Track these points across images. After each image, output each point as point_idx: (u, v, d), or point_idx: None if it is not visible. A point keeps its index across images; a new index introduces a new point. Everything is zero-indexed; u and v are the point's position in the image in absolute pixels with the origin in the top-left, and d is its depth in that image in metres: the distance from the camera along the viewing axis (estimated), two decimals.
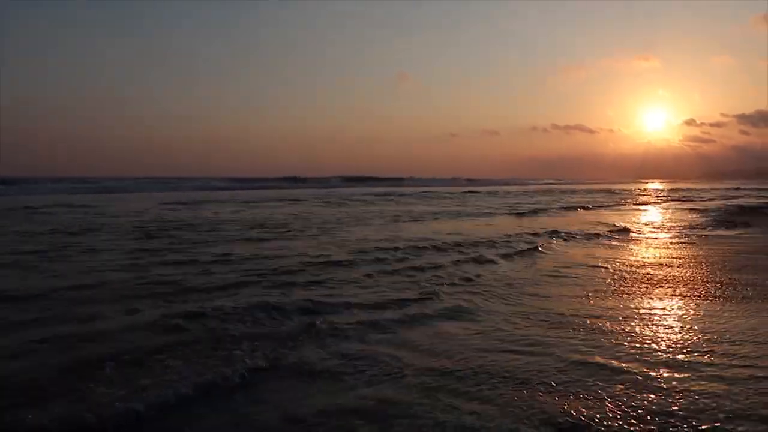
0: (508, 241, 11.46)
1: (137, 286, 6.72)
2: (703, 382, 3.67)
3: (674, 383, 3.65)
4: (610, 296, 6.37)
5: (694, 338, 4.67)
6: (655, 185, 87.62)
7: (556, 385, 3.63)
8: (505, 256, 9.39)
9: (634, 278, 7.49)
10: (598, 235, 13.13)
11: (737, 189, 56.89)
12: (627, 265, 8.64)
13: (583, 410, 3.23)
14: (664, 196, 39.67)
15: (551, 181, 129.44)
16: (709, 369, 3.92)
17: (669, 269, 8.24)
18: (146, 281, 6.99)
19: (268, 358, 4.16)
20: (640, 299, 6.21)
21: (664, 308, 5.78)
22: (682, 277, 7.60)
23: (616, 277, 7.62)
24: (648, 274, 7.83)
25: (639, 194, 44.87)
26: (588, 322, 5.26)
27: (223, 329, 4.78)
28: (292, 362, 4.14)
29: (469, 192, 46.89)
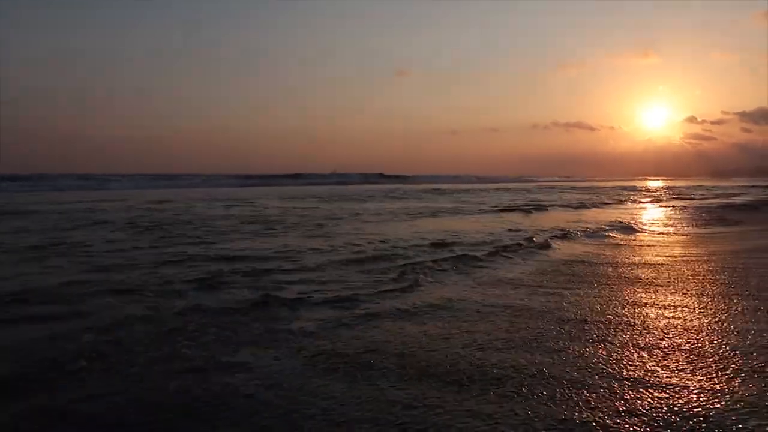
0: (510, 238, 11.44)
1: (120, 282, 6.81)
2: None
3: (681, 381, 3.65)
4: (611, 295, 6.32)
5: (690, 337, 4.69)
6: (656, 183, 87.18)
7: (563, 384, 3.63)
8: (503, 254, 9.33)
9: (636, 277, 7.40)
10: (601, 233, 13.08)
11: (746, 187, 55.93)
12: (630, 264, 8.57)
13: (590, 410, 3.21)
14: (665, 194, 39.51)
15: (557, 179, 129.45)
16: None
17: (671, 268, 8.24)
18: (127, 277, 7.10)
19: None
20: (644, 298, 6.16)
21: (668, 308, 5.77)
22: (680, 275, 7.62)
23: (618, 276, 7.55)
24: (652, 273, 7.75)
25: (641, 192, 44.67)
26: (584, 321, 5.26)
27: (179, 327, 4.85)
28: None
29: (480, 189, 46.96)
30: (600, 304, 5.86)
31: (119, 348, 4.24)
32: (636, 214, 20.26)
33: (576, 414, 3.16)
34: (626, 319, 5.19)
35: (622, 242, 11.66)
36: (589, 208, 23.89)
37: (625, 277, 7.48)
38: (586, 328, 4.90)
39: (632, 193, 42.63)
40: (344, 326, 4.98)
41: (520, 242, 10.65)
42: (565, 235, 12.13)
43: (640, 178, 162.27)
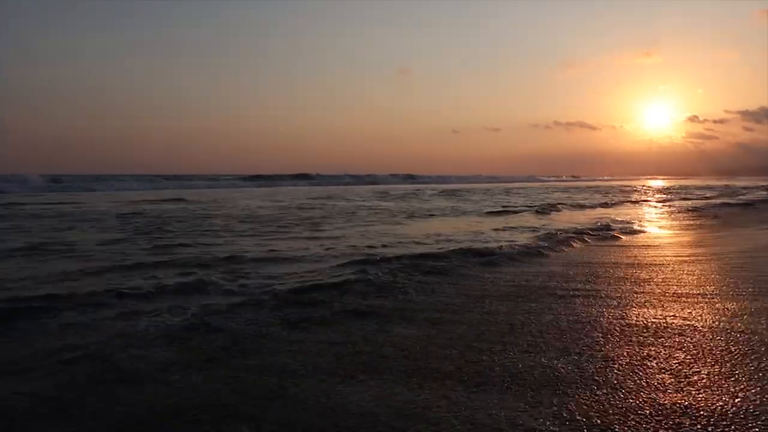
0: (512, 240, 11.23)
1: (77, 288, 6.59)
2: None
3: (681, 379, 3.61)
4: (616, 302, 6.12)
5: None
6: (660, 182, 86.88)
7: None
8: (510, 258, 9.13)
9: (638, 281, 7.20)
10: (609, 233, 12.98)
11: (750, 187, 54.80)
12: (636, 266, 8.35)
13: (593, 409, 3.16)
14: (669, 194, 39.34)
15: (564, 178, 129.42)
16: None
17: (679, 269, 8.13)
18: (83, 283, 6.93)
19: None
20: (646, 305, 5.93)
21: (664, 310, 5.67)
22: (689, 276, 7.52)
23: (625, 279, 7.32)
24: (654, 275, 7.58)
25: (645, 192, 44.44)
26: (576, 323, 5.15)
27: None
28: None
29: (488, 188, 47.15)
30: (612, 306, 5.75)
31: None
32: (643, 214, 20.22)
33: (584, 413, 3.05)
34: (626, 322, 5.05)
35: (632, 244, 11.54)
36: (595, 207, 23.89)
37: (628, 278, 7.30)
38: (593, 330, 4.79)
39: (637, 192, 42.43)
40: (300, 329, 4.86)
41: (526, 244, 10.47)
42: (575, 236, 11.98)
43: (644, 177, 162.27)
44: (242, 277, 7.17)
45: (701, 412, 3.10)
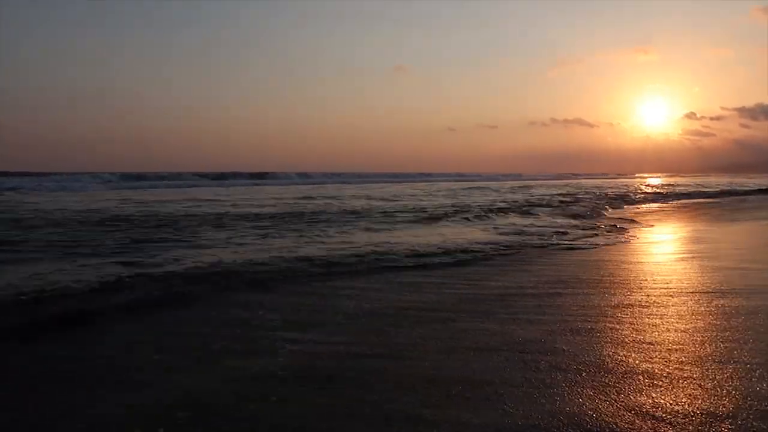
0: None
1: None
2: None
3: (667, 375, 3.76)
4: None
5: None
6: (661, 180, 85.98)
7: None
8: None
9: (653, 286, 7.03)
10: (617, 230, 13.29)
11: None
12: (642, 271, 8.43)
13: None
14: (675, 192, 38.62)
15: (573, 176, 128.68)
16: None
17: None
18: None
19: None
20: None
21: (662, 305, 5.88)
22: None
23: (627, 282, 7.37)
24: (655, 277, 7.61)
25: (647, 190, 43.60)
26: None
27: None
28: None
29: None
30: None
31: None
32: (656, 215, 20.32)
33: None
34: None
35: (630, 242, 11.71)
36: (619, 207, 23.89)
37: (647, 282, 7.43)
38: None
39: (642, 191, 41.35)
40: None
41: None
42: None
43: (647, 175, 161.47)
44: None
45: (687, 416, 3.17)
